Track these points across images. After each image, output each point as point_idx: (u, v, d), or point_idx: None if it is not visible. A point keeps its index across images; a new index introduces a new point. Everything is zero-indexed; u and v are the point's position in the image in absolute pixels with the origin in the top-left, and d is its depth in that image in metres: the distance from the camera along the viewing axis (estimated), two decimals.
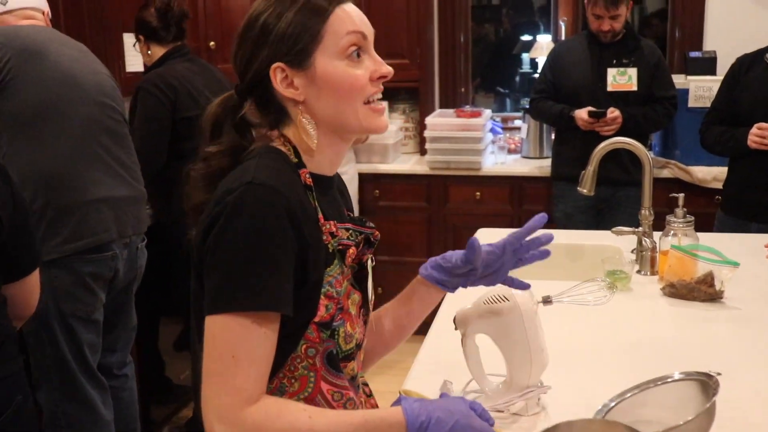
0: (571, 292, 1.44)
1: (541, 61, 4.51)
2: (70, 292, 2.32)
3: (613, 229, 2.36)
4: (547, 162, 4.06)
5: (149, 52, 3.11)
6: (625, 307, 2.00)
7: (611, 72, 3.53)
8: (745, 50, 3.18)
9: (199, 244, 1.12)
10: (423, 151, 4.27)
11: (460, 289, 1.36)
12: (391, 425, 1.08)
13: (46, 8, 2.52)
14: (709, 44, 4.31)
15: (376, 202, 4.20)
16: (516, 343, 1.37)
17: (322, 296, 1.15)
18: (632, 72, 3.51)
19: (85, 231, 2.33)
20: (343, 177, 1.39)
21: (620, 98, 3.50)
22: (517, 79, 5.27)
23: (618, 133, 3.41)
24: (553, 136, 4.14)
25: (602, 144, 2.35)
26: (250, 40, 1.18)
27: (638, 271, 2.26)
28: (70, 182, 2.31)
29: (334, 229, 1.19)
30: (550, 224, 3.73)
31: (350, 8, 1.19)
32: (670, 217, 2.20)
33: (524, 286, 1.37)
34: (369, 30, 1.20)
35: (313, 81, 1.17)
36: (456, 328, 1.45)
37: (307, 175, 1.19)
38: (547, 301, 1.44)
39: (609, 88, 3.52)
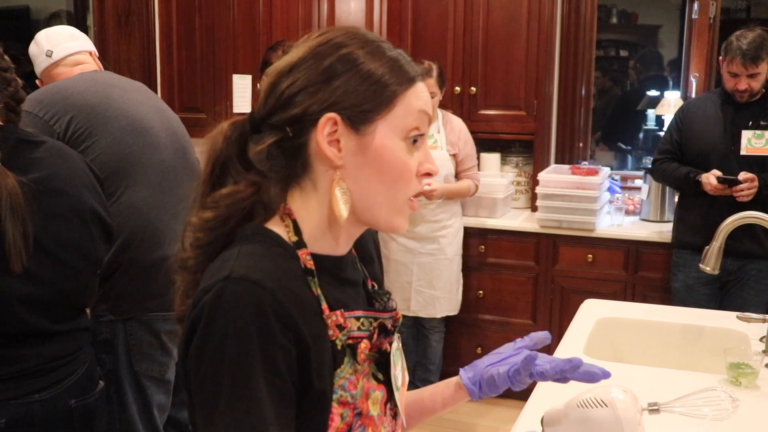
0: (684, 401, 1.22)
1: (668, 119, 4.25)
2: (145, 352, 2.22)
3: (739, 314, 2.09)
4: (668, 227, 3.77)
5: None
6: (750, 411, 1.73)
7: (746, 135, 3.23)
8: None
9: (181, 353, 0.95)
10: (534, 208, 4.06)
11: (566, 386, 1.19)
12: None
13: (93, 48, 2.41)
14: None
15: (481, 258, 4.01)
16: None
17: (334, 404, 0.96)
18: None
19: (167, 287, 2.23)
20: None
21: (755, 163, 3.20)
22: (641, 135, 4.99)
23: (751, 202, 3.11)
24: (676, 200, 3.85)
25: (731, 219, 2.10)
26: (311, 71, 0.98)
27: (766, 365, 1.98)
28: (154, 237, 2.20)
29: (341, 321, 0.98)
30: (667, 295, 3.48)
31: (425, 87, 1.05)
32: None
33: (605, 375, 1.13)
34: (430, 110, 1.05)
35: (364, 151, 0.98)
36: (543, 430, 1.26)
37: (308, 257, 0.99)
38: (653, 409, 1.23)
39: (743, 152, 3.23)
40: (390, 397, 1.07)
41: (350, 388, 0.98)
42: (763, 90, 3.25)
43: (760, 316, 2.06)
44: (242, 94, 3.36)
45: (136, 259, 2.16)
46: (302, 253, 0.98)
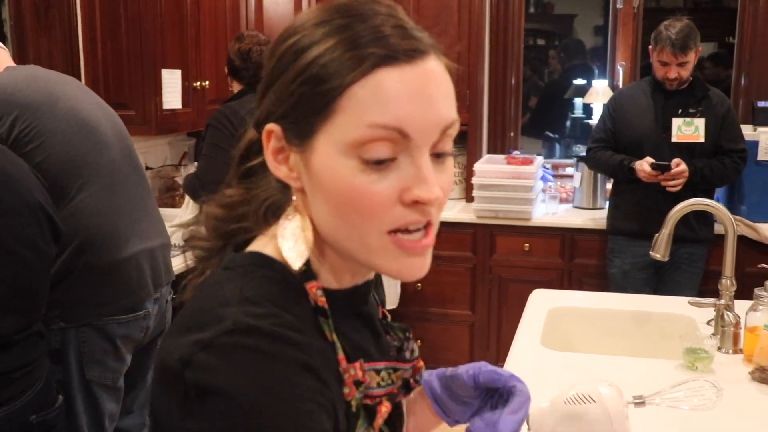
0: (667, 393, 1.21)
1: (596, 107, 4.33)
2: (98, 359, 2.10)
3: (690, 300, 2.12)
4: (601, 213, 3.83)
5: (231, 87, 3.12)
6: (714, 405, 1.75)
7: (677, 122, 3.30)
8: None
9: (159, 403, 0.72)
10: (470, 198, 4.07)
11: (541, 379, 1.08)
12: None
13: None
14: None
15: None
16: None
17: None
18: (699, 122, 3.28)
19: (124, 290, 2.12)
20: None
21: (686, 150, 3.27)
22: (568, 124, 5.06)
23: (683, 188, 3.19)
24: (608, 187, 3.91)
25: (680, 206, 2.12)
26: (266, 73, 0.80)
27: (718, 349, 2.01)
28: (108, 240, 2.08)
29: (360, 375, 0.78)
30: (603, 281, 3.53)
31: (414, 72, 0.73)
32: (759, 291, 1.96)
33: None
34: (434, 115, 0.74)
35: (308, 171, 0.76)
36: (529, 429, 1.23)
37: (319, 292, 0.78)
38: (638, 402, 1.22)
39: (674, 139, 3.29)
40: None
41: None
42: (691, 78, 3.32)
43: (710, 300, 2.09)
44: (172, 89, 3.22)
45: (91, 263, 2.05)
46: (311, 287, 0.78)
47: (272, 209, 0.82)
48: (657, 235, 2.15)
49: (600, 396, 1.16)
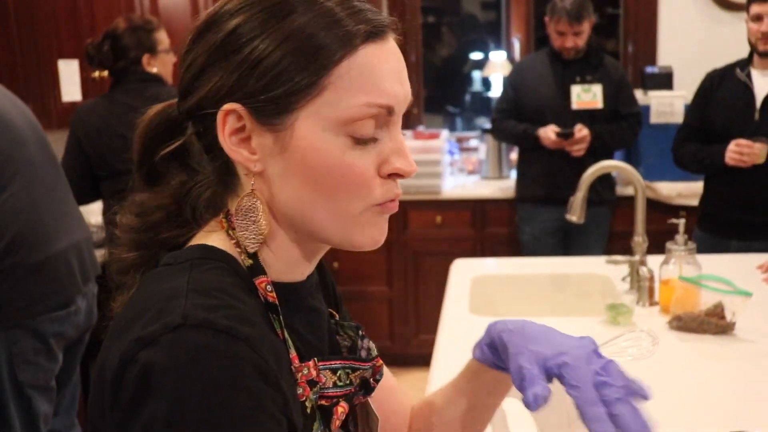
0: (609, 346, 1.27)
1: (495, 79, 4.42)
2: (30, 360, 2.04)
3: (607, 258, 2.22)
4: (508, 182, 3.95)
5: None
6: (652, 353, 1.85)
7: (575, 89, 3.42)
8: (699, 65, 3.15)
9: (98, 406, 0.68)
10: None
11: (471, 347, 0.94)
12: None
13: None
14: (662, 59, 4.27)
15: None
16: (552, 406, 1.20)
17: None
18: (597, 89, 3.41)
19: (53, 287, 2.07)
20: None
21: (586, 116, 3.40)
22: (468, 98, 5.15)
23: (585, 153, 3.32)
24: (513, 156, 4.03)
25: (592, 168, 2.21)
26: (208, 46, 0.74)
27: (636, 302, 2.12)
28: (35, 237, 2.02)
29: (314, 374, 0.75)
30: (515, 248, 3.63)
31: (389, 48, 0.74)
32: (670, 245, 2.07)
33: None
34: (404, 91, 0.75)
35: (283, 151, 0.73)
36: None
37: (268, 288, 0.75)
38: None
39: (574, 106, 3.42)
40: None
41: None
42: (587, 47, 3.45)
43: (625, 257, 2.20)
44: (70, 80, 3.11)
45: (20, 262, 1.98)
46: (260, 282, 0.75)
47: (212, 203, 0.78)
48: (571, 198, 2.23)
49: None
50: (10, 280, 1.98)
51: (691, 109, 3.04)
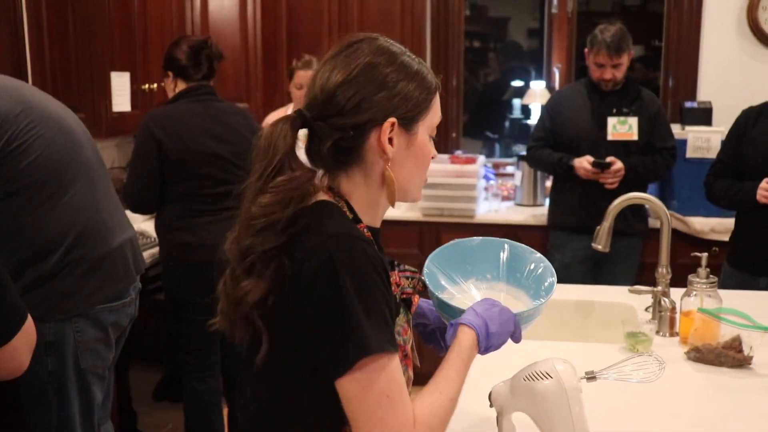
0: (615, 368, 1.32)
1: (534, 108, 4.48)
2: (91, 347, 2.16)
3: (630, 288, 2.26)
4: (542, 210, 3.98)
5: (176, 89, 3.04)
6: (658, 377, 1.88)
7: (611, 121, 3.46)
8: (738, 101, 3.16)
9: (284, 307, 1.13)
10: None
11: (499, 360, 1.36)
12: (471, 346, 1.24)
13: None
14: (702, 95, 4.29)
15: None
16: (559, 424, 1.26)
17: None
18: (633, 121, 3.45)
19: (111, 279, 2.20)
20: None
21: (620, 148, 3.44)
22: (507, 124, 5.21)
23: (618, 184, 3.35)
24: (548, 184, 4.07)
25: (619, 199, 2.26)
26: (371, 82, 1.19)
27: (657, 333, 2.16)
28: (98, 232, 2.16)
29: (398, 279, 1.25)
30: None
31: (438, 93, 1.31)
32: (692, 277, 2.11)
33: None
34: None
35: (409, 146, 1.24)
36: (491, 405, 1.33)
37: (365, 229, 1.23)
38: (590, 377, 1.33)
39: (609, 137, 3.46)
40: (413, 346, 1.31)
41: (403, 334, 1.24)
42: (625, 79, 3.49)
43: (648, 288, 2.23)
44: (121, 92, 3.24)
45: (84, 256, 2.12)
46: (360, 226, 1.22)
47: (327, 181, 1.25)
48: (598, 227, 2.28)
49: (556, 372, 1.27)
50: (77, 272, 2.11)
51: (725, 145, 3.06)
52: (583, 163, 3.38)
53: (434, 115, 1.26)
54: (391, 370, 1.10)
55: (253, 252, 1.16)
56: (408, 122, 1.22)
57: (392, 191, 1.22)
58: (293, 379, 1.16)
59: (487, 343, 1.24)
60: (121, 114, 3.31)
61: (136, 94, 3.38)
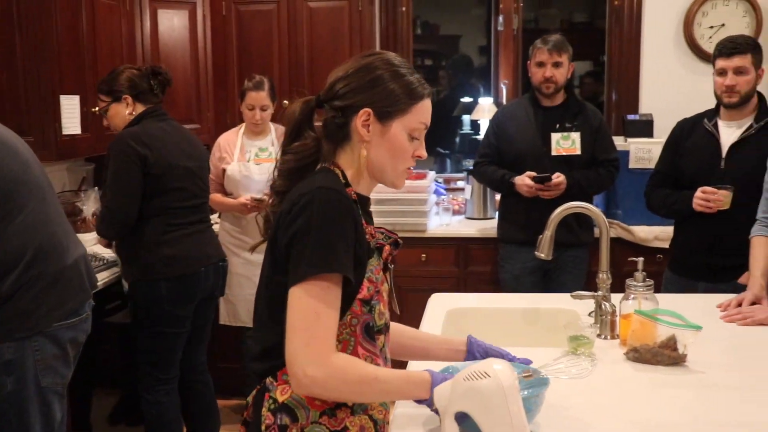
0: (551, 366, 1.39)
1: (483, 123, 4.58)
2: (51, 364, 2.18)
3: (572, 294, 2.34)
4: (492, 223, 4.07)
5: (132, 112, 3.09)
6: (597, 371, 1.96)
7: (555, 137, 3.56)
8: (678, 113, 3.29)
9: (278, 234, 1.45)
10: None
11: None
12: (422, 381, 1.46)
13: None
14: (644, 107, 4.44)
15: None
16: (499, 421, 1.32)
17: (365, 280, 1.48)
18: (575, 136, 3.55)
19: (68, 295, 2.23)
20: None
21: (564, 163, 3.54)
22: (457, 140, 5.31)
23: (563, 197, 3.43)
24: (497, 198, 4.16)
25: (559, 209, 2.34)
26: (362, 78, 1.51)
27: (598, 335, 2.24)
28: (53, 249, 2.20)
29: (372, 231, 1.52)
30: (497, 286, 3.74)
31: (429, 103, 1.56)
32: (630, 281, 2.20)
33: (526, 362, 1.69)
34: (429, 122, 1.57)
35: (383, 135, 1.52)
36: (432, 407, 1.39)
37: (353, 193, 1.51)
38: (527, 375, 1.39)
39: (553, 153, 3.55)
40: (391, 292, 1.62)
41: (375, 273, 1.51)
42: (566, 95, 3.60)
43: (589, 293, 2.31)
44: (71, 115, 3.25)
45: (41, 273, 2.15)
46: (350, 190, 1.51)
47: (329, 151, 1.57)
48: (540, 236, 2.36)
49: (494, 371, 1.33)
50: (35, 290, 2.14)
51: (662, 156, 3.18)
52: (525, 180, 3.47)
53: (414, 118, 1.52)
54: (328, 294, 1.39)
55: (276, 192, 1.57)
56: (383, 115, 1.50)
57: (369, 165, 1.52)
58: (278, 289, 1.46)
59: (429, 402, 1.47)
60: (72, 137, 3.31)
61: (86, 116, 3.39)
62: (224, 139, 3.86)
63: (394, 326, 1.80)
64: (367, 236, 1.49)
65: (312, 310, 1.38)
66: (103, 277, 3.12)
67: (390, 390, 1.44)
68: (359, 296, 1.47)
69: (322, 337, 1.38)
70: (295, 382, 1.39)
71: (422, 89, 1.54)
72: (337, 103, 1.52)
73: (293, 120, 1.57)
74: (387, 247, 1.54)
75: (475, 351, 1.76)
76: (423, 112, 1.54)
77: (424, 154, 1.57)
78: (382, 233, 1.56)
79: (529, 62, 3.57)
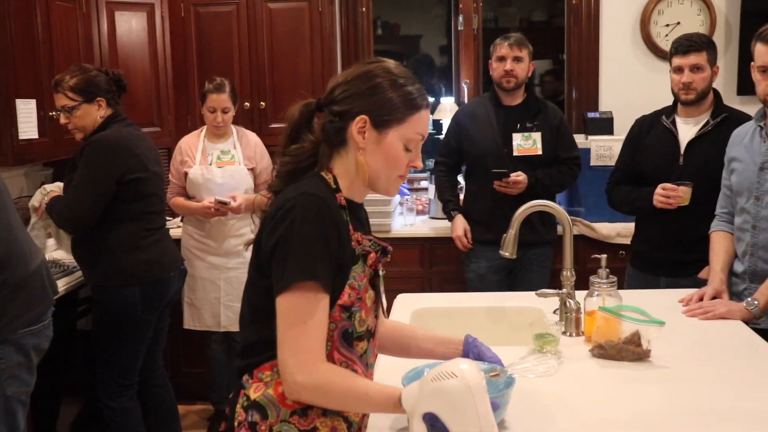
0: (517, 364, 1.40)
1: (445, 123, 4.58)
2: (15, 373, 2.15)
3: (537, 292, 2.35)
4: None
5: (103, 116, 3.04)
6: (563, 368, 1.97)
7: (516, 137, 3.57)
8: (637, 110, 3.33)
9: (262, 237, 1.47)
10: None
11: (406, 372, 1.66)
12: (391, 396, 1.42)
13: None
14: (603, 105, 4.49)
15: None
16: (467, 421, 1.31)
17: (347, 286, 1.48)
18: (536, 136, 3.57)
19: (32, 302, 2.21)
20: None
21: (526, 162, 3.55)
22: None
23: (525, 196, 3.45)
24: (461, 197, 4.17)
25: (522, 207, 2.35)
26: (361, 85, 1.52)
27: (564, 333, 2.25)
28: (16, 256, 2.17)
29: (359, 238, 1.52)
30: (462, 285, 3.75)
31: (427, 113, 1.57)
32: (593, 278, 2.22)
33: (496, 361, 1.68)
34: (427, 133, 1.58)
35: (378, 143, 1.52)
36: (401, 406, 1.38)
37: (342, 198, 1.53)
38: (494, 375, 1.39)
39: (515, 153, 3.56)
40: (377, 300, 1.61)
41: (359, 280, 1.51)
42: (525, 94, 3.62)
43: (554, 291, 2.33)
44: (27, 119, 3.18)
45: (6, 281, 2.12)
46: (339, 195, 1.52)
47: (326, 156, 1.56)
48: (504, 235, 2.37)
49: (461, 371, 1.33)
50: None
51: (622, 154, 3.22)
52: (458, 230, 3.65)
53: (410, 128, 1.52)
54: (313, 301, 1.41)
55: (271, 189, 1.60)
56: (379, 124, 1.50)
57: (363, 172, 1.52)
58: (260, 290, 1.49)
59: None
60: (29, 141, 3.25)
61: (43, 121, 3.33)
62: (185, 142, 3.82)
63: (395, 324, 1.87)
64: (353, 243, 1.50)
65: (298, 318, 1.41)
66: (62, 284, 3.06)
67: (373, 405, 1.45)
68: (339, 302, 1.48)
69: (309, 347, 1.41)
70: (287, 389, 1.44)
71: (421, 100, 1.54)
72: (335, 108, 1.53)
73: (292, 122, 1.58)
74: (372, 255, 1.53)
75: (469, 352, 1.74)
76: (420, 122, 1.53)
77: (419, 164, 1.57)
78: (371, 240, 1.55)
79: (490, 60, 3.59)
